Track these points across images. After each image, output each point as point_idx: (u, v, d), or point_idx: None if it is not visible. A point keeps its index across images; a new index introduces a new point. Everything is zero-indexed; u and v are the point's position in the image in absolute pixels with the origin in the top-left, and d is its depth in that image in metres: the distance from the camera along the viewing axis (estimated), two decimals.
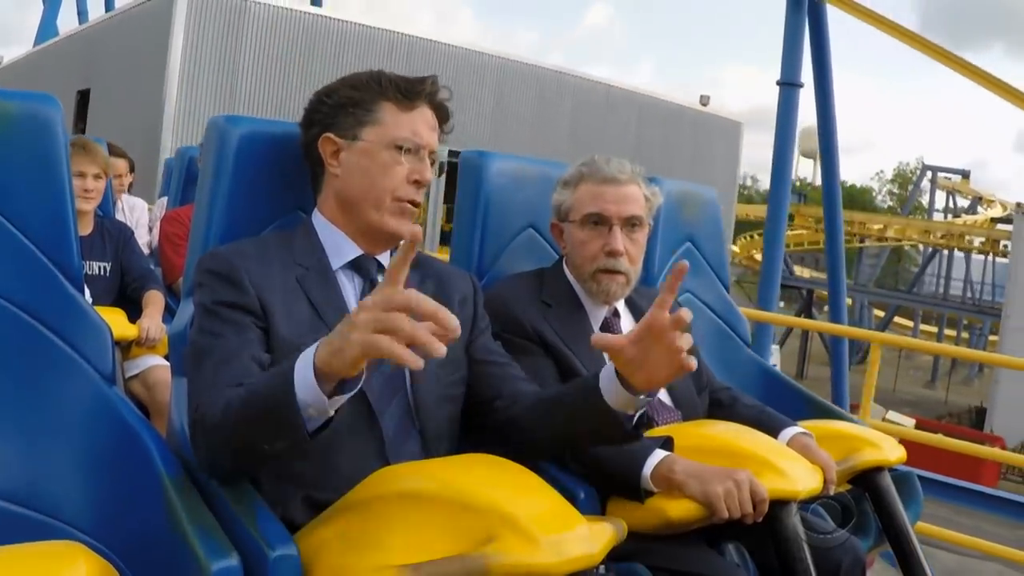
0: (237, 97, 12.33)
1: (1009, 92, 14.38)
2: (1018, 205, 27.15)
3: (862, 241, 32.76)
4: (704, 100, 19.09)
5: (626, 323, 1.79)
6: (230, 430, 1.11)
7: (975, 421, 23.08)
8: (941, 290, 31.08)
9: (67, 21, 24.01)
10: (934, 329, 31.46)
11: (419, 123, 1.40)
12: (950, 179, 37.20)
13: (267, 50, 12.41)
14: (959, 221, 33.44)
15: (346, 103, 1.39)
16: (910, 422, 17.70)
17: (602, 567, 1.13)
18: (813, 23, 14.69)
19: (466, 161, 1.96)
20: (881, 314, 33.48)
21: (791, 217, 26.08)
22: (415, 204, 1.40)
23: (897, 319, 33.65)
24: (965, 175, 37.39)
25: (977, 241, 30.39)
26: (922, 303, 30.12)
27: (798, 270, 32.95)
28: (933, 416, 22.66)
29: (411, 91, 1.40)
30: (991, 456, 4.11)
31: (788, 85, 14.59)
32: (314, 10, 13.23)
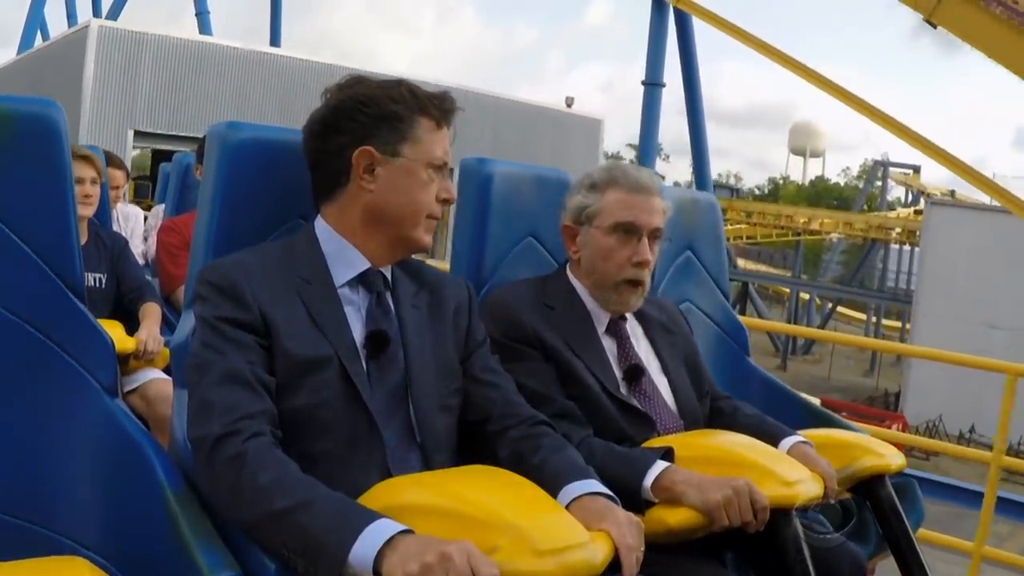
0: (136, 110, 14.91)
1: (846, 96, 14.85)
2: (928, 195, 27.77)
3: (798, 235, 34.34)
4: (569, 101, 21.34)
5: (632, 325, 1.79)
6: (268, 514, 1.09)
7: (893, 404, 24.31)
8: (897, 284, 31.88)
9: (59, 24, 25.34)
10: (895, 323, 32.20)
11: (446, 141, 1.42)
12: (908, 174, 38.20)
13: (160, 72, 15.03)
14: (893, 214, 34.95)
15: (389, 116, 1.37)
16: (815, 401, 18.68)
17: None
18: (679, 27, 15.96)
19: (467, 169, 1.95)
20: (845, 311, 35.06)
21: (724, 211, 27.28)
22: (439, 219, 1.44)
23: (850, 312, 35.09)
24: (916, 170, 38.90)
25: (896, 232, 31.72)
26: (857, 295, 31.43)
27: (741, 263, 34.56)
28: (854, 400, 24.04)
29: (444, 109, 1.41)
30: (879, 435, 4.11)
31: (652, 85, 16.09)
32: (199, 38, 16.46)
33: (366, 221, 1.39)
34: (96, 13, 25.67)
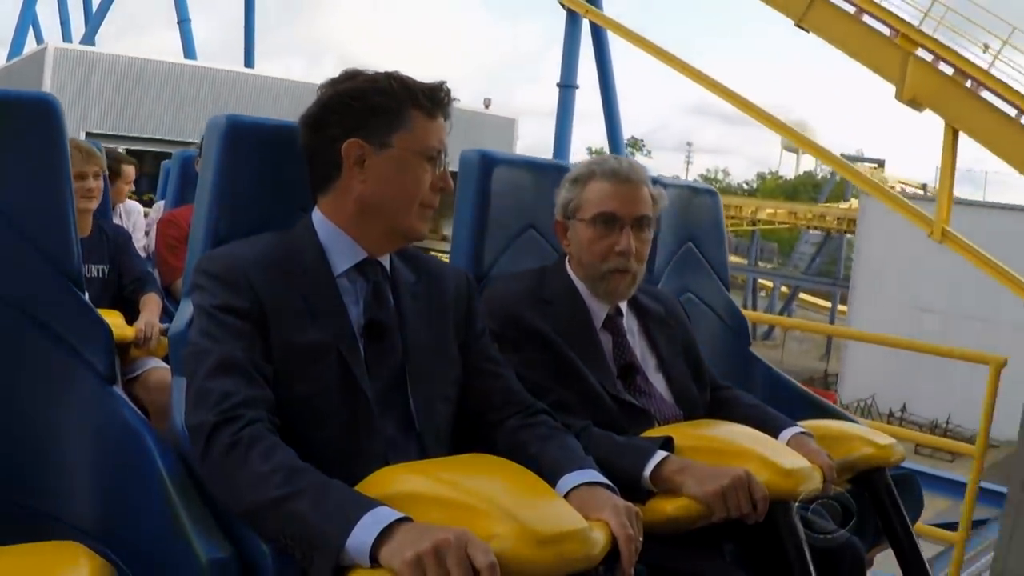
0: (89, 115, 17.63)
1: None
2: None
3: (754, 224, 35.56)
4: (487, 103, 23.24)
5: (629, 320, 1.79)
6: (265, 500, 1.09)
7: (834, 385, 25.45)
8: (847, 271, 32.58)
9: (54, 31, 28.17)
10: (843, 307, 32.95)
11: (441, 131, 1.41)
12: (873, 167, 39.05)
13: (109, 85, 17.89)
14: (844, 206, 35.76)
15: (377, 109, 1.36)
16: None
17: (602, 567, 1.13)
18: (594, 36, 17.13)
19: (466, 161, 1.95)
20: (810, 298, 36.05)
21: None
22: (434, 208, 1.42)
23: (816, 300, 36.02)
24: (880, 164, 40.23)
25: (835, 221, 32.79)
26: (812, 283, 32.81)
27: None
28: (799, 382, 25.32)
29: (437, 99, 1.40)
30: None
31: (566, 87, 17.48)
32: (142, 56, 18.90)
33: (360, 212, 1.39)
34: (87, 19, 28.03)
